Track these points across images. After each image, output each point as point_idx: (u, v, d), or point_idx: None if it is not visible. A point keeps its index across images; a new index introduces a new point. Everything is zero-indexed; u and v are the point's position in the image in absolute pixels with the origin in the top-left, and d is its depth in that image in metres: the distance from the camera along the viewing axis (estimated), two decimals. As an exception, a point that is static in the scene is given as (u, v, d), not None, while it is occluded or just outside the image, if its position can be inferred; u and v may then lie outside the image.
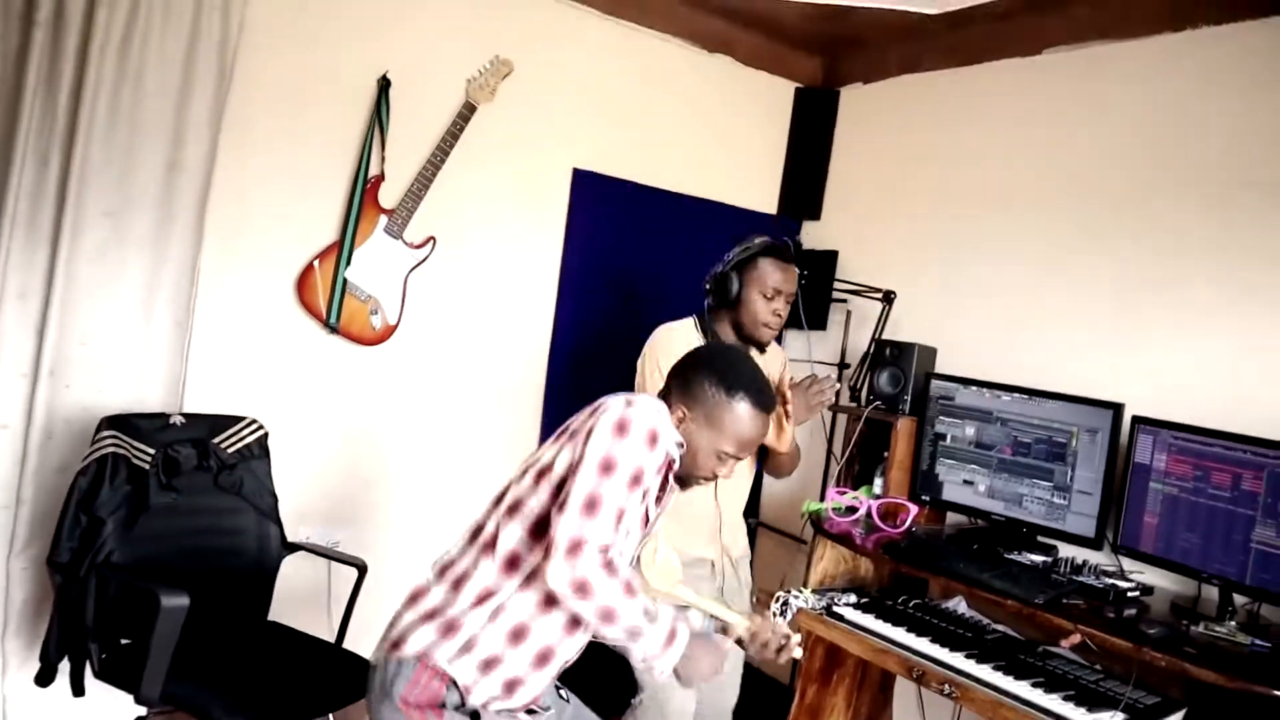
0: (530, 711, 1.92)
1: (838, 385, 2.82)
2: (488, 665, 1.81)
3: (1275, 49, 2.75)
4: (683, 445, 1.90)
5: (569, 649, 1.90)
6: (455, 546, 1.93)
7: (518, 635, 1.82)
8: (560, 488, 1.77)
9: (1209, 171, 2.86)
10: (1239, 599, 2.48)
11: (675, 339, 2.67)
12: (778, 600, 2.82)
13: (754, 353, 2.67)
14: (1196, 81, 2.92)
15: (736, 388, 1.88)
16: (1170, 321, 2.90)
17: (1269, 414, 2.59)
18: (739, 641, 1.98)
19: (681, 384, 1.92)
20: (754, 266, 2.67)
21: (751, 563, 2.93)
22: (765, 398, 1.92)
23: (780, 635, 1.95)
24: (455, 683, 1.80)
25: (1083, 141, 3.22)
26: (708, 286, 2.74)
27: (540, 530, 1.78)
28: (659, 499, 1.94)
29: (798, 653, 1.96)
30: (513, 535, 1.81)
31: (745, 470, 2.80)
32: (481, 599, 1.81)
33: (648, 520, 1.92)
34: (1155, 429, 2.66)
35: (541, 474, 1.83)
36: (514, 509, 1.84)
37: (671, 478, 1.94)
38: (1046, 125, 3.34)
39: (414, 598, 1.91)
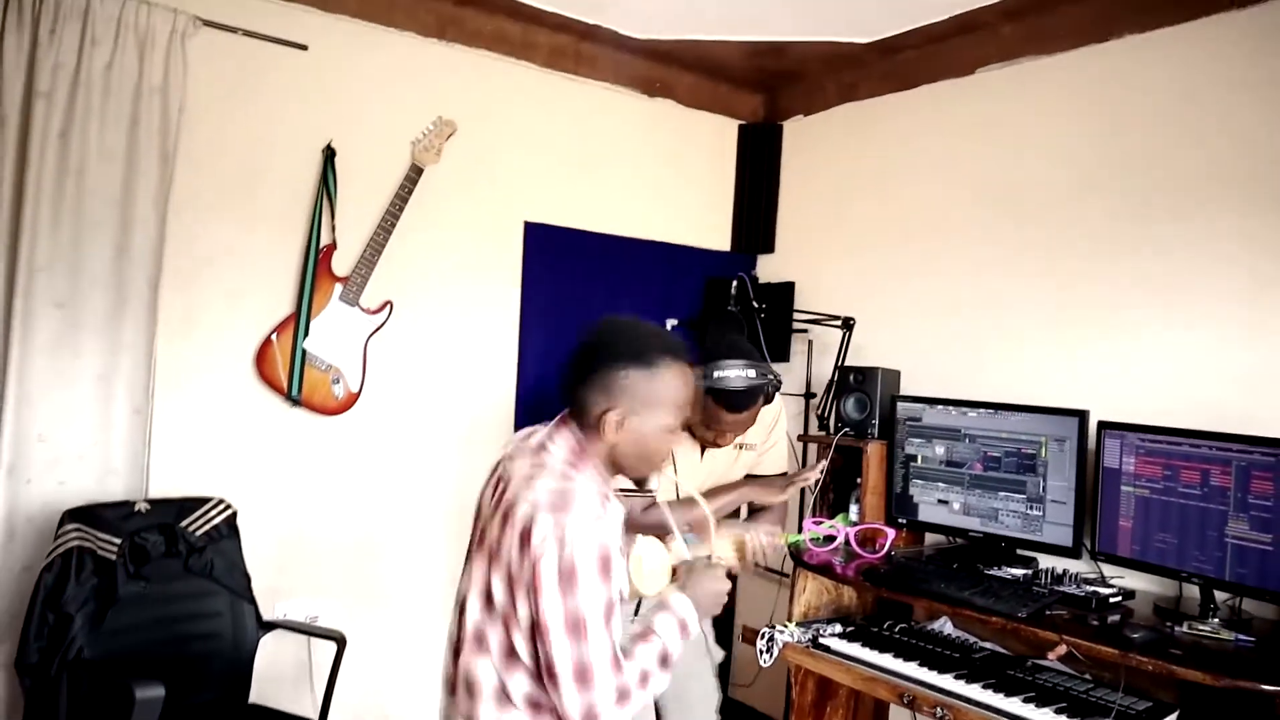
0: None
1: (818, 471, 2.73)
2: None
3: (1198, 54, 2.82)
4: (628, 492, 1.81)
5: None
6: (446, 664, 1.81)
7: None
8: (528, 632, 1.62)
9: (1148, 177, 2.91)
10: (1220, 595, 2.49)
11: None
12: (763, 637, 2.81)
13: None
14: (1127, 88, 2.98)
15: (651, 358, 1.71)
16: (1127, 325, 2.93)
17: (1231, 410, 2.61)
18: (732, 575, 1.96)
19: (599, 387, 1.71)
20: (706, 401, 2.43)
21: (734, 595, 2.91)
22: (678, 347, 1.76)
23: (766, 535, 1.97)
24: None
25: (1021, 155, 3.27)
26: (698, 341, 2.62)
27: (511, 653, 1.66)
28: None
29: (794, 538, 1.96)
30: (488, 674, 1.67)
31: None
32: None
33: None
34: (1121, 432, 2.68)
35: (490, 600, 1.68)
36: (480, 641, 1.69)
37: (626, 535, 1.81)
38: (985, 142, 3.40)
39: None
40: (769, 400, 2.56)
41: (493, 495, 1.78)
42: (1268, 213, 2.65)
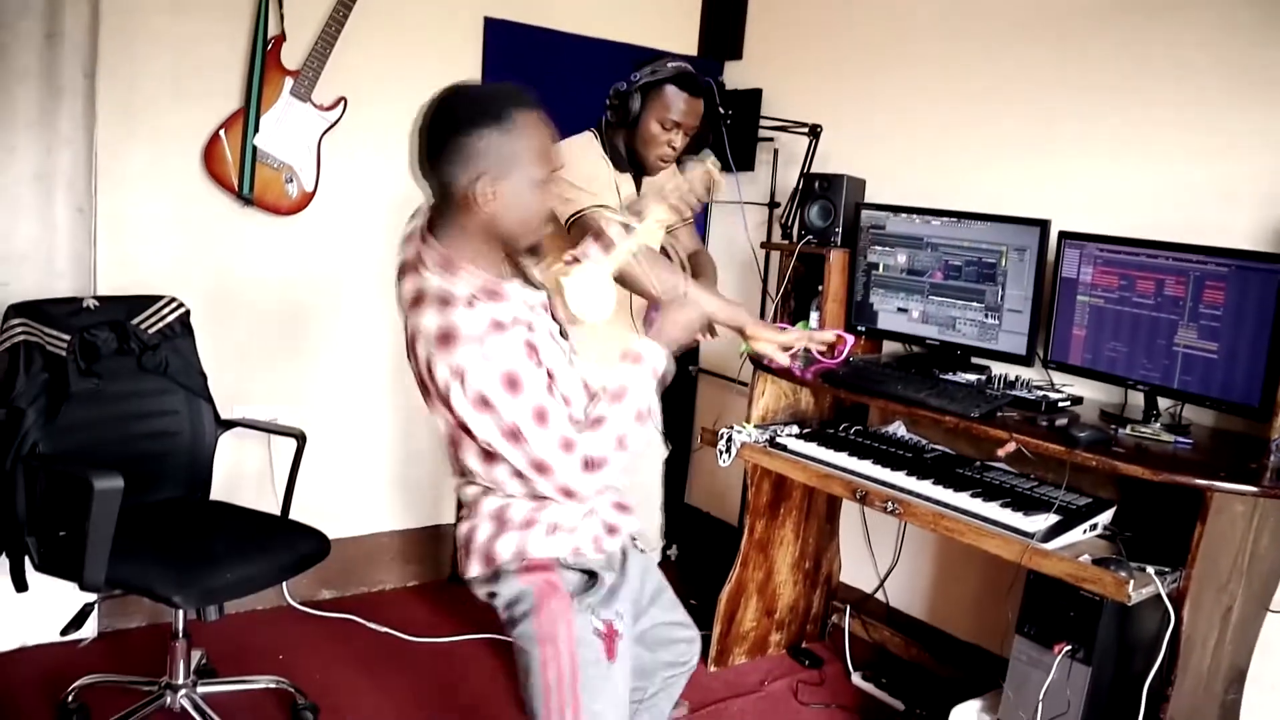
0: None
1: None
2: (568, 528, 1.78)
3: None
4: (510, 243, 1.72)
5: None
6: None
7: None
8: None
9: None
10: (1164, 403, 2.56)
11: (583, 150, 2.63)
12: (722, 436, 2.86)
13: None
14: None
15: (499, 112, 1.61)
16: (1095, 135, 2.88)
17: (1187, 227, 2.61)
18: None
19: (457, 160, 1.60)
20: (659, 93, 2.59)
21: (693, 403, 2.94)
22: (525, 95, 1.68)
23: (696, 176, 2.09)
24: (562, 562, 1.77)
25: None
26: (609, 101, 2.66)
27: (485, 454, 1.71)
28: (563, 333, 1.85)
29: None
30: (475, 463, 1.74)
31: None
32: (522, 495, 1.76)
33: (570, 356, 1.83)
34: (1081, 243, 2.68)
35: (430, 399, 1.71)
36: (455, 444, 1.76)
37: (543, 302, 1.78)
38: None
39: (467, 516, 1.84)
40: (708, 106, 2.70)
41: (398, 294, 1.74)
42: (1236, 18, 2.57)
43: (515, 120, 1.61)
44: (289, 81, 3.13)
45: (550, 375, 1.66)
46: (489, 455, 1.69)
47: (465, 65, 3.54)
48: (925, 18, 3.36)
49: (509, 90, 1.67)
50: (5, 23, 2.65)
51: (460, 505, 1.87)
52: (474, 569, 1.79)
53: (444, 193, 1.66)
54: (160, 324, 2.78)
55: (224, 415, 2.90)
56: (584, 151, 2.63)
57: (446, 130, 1.62)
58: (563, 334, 1.85)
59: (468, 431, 1.65)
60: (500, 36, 3.57)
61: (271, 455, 3.27)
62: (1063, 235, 2.74)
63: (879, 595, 3.46)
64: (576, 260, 2.01)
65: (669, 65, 2.61)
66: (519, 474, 1.69)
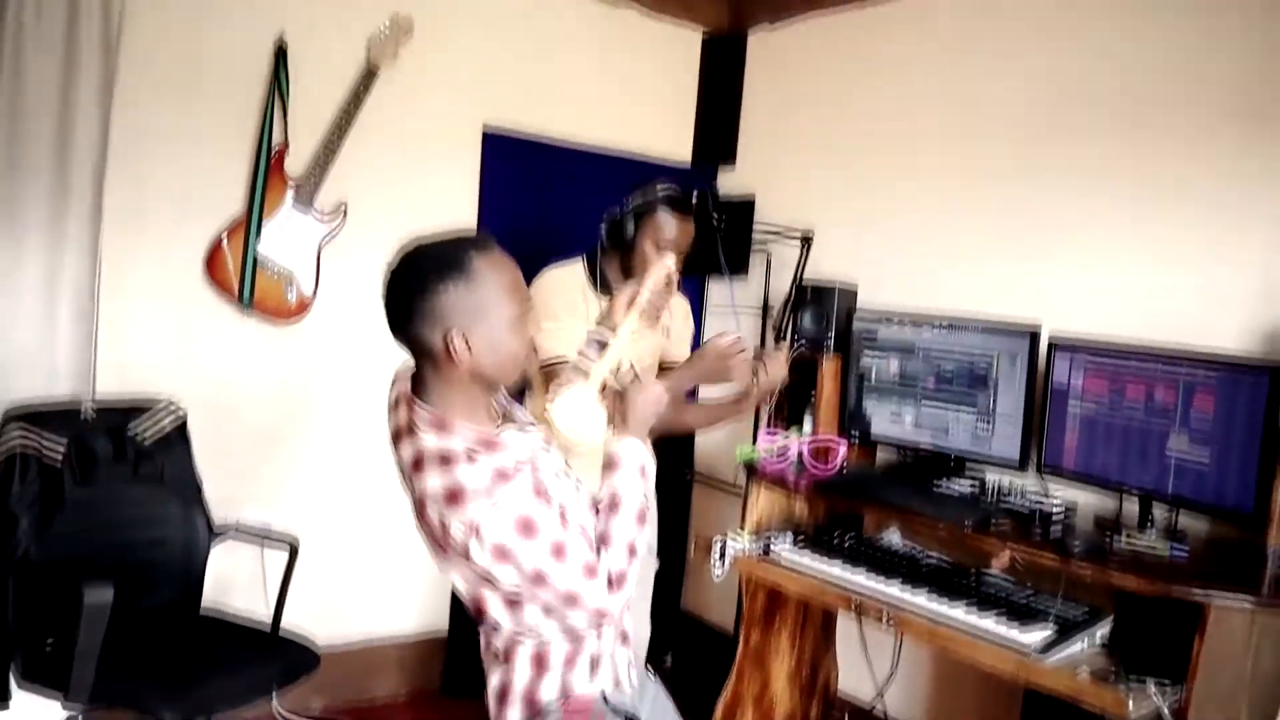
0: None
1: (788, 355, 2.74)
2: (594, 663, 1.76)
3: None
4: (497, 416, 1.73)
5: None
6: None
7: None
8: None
9: (1109, 95, 2.90)
10: (1158, 509, 2.56)
11: (565, 281, 2.67)
12: (716, 545, 2.85)
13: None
14: (1096, 8, 2.96)
15: (458, 263, 1.60)
16: (1083, 242, 2.94)
17: (1178, 328, 2.65)
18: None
19: (426, 319, 1.59)
20: (651, 215, 2.65)
21: (689, 510, 2.94)
22: (480, 237, 1.69)
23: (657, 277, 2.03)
24: (605, 697, 1.75)
25: (986, 71, 3.24)
26: (604, 227, 2.72)
27: (509, 601, 1.67)
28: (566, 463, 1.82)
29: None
30: (499, 610, 1.69)
31: None
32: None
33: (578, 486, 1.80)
34: (1071, 350, 2.72)
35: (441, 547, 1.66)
36: (476, 601, 1.70)
37: (547, 450, 1.76)
38: (950, 58, 3.36)
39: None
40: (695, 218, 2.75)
41: (398, 460, 1.72)
42: (1222, 130, 2.66)
43: (475, 267, 1.61)
44: (291, 190, 3.20)
45: (563, 509, 1.63)
46: (513, 602, 1.66)
47: (464, 174, 3.63)
48: (914, 127, 3.45)
49: (465, 239, 1.68)
50: (19, 131, 2.72)
51: (488, 660, 1.80)
52: (514, 715, 1.74)
53: (420, 353, 1.65)
54: (157, 430, 2.79)
55: (218, 520, 2.89)
56: (562, 284, 2.66)
57: (410, 292, 1.61)
58: (566, 464, 1.83)
59: (491, 582, 1.62)
60: (499, 145, 3.66)
61: (264, 562, 3.24)
62: (1053, 343, 2.77)
63: (877, 707, 3.40)
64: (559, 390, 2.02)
65: (659, 189, 2.68)
66: (549, 610, 1.66)
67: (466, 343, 1.59)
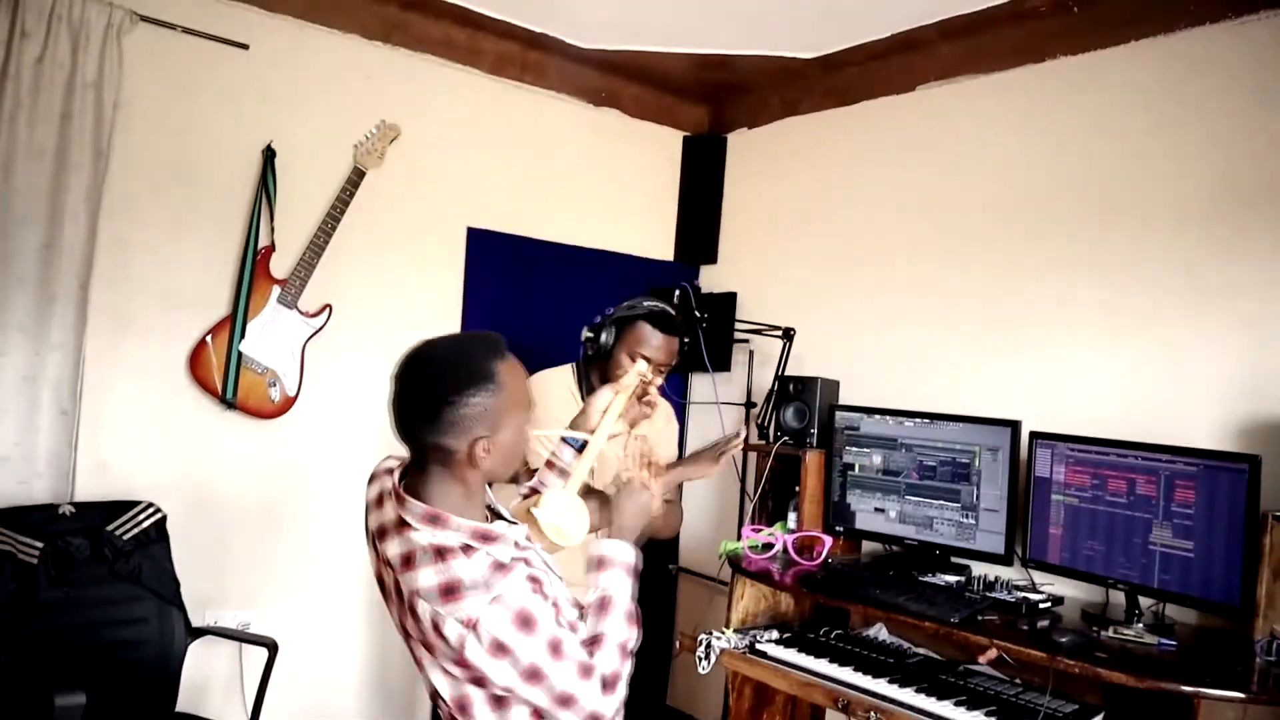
0: None
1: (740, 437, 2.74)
2: None
3: (1126, 77, 2.90)
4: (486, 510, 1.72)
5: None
6: None
7: None
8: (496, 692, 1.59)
9: (1081, 194, 2.99)
10: (1145, 601, 2.55)
11: (552, 385, 2.67)
12: (701, 643, 2.81)
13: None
14: (1060, 107, 3.06)
15: (484, 372, 1.62)
16: (1061, 339, 2.99)
17: (1158, 421, 2.68)
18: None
19: (452, 429, 1.60)
20: (632, 328, 2.59)
21: (674, 603, 2.91)
22: (496, 342, 1.69)
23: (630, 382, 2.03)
24: None
25: (958, 171, 3.33)
26: (586, 335, 2.71)
27: (498, 701, 1.61)
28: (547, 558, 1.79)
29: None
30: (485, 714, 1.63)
31: None
32: None
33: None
34: (1052, 442, 2.74)
35: (447, 674, 1.62)
36: (464, 709, 1.62)
37: (527, 534, 1.73)
38: (924, 157, 3.46)
39: None
40: (683, 341, 2.69)
41: (376, 558, 1.70)
42: (1194, 231, 2.73)
43: (500, 376, 1.63)
44: (276, 290, 3.23)
45: (556, 605, 1.62)
46: (500, 699, 1.61)
47: (448, 272, 3.68)
48: (893, 225, 3.53)
49: (483, 344, 1.69)
50: (8, 234, 2.75)
51: None
52: None
53: (433, 456, 1.64)
54: (135, 530, 2.77)
55: (196, 618, 2.85)
56: (549, 389, 2.66)
57: (436, 401, 1.61)
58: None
59: (481, 683, 1.58)
60: (483, 245, 3.72)
61: (242, 662, 3.18)
62: (1034, 435, 2.79)
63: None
64: (536, 492, 2.02)
65: (644, 304, 2.62)
66: (540, 713, 1.61)
67: (490, 448, 1.62)
